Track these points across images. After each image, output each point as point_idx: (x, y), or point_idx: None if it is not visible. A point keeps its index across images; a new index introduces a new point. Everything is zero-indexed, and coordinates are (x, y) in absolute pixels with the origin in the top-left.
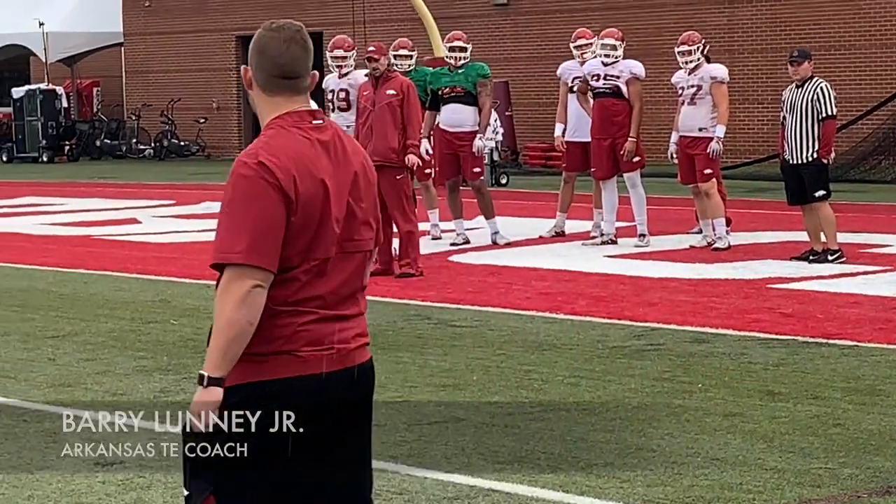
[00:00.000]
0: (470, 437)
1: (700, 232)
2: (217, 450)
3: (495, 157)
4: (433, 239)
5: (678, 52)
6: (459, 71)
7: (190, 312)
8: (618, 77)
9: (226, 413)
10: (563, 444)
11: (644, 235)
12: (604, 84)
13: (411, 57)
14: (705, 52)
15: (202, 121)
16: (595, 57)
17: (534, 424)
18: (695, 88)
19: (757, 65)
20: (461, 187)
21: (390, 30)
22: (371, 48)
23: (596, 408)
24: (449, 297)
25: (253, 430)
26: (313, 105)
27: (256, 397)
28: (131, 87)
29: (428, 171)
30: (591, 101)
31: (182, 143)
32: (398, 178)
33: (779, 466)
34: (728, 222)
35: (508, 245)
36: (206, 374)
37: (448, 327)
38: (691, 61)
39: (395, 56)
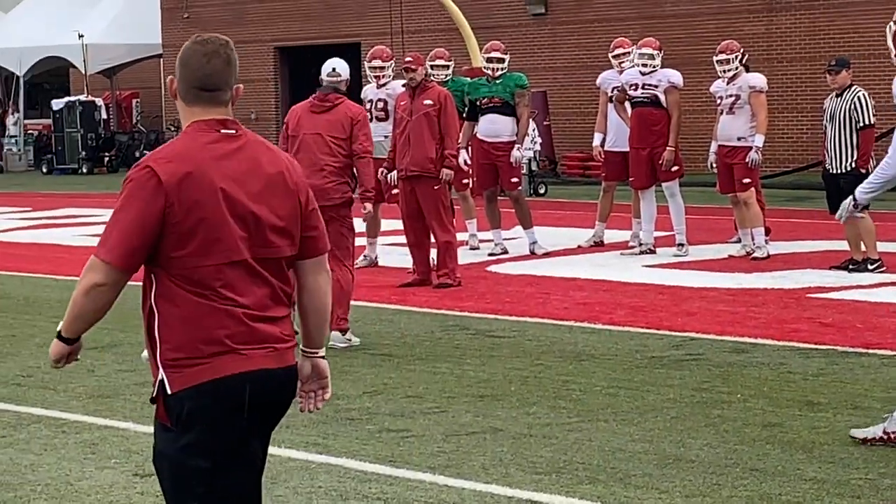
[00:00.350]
0: (508, 448)
1: (739, 241)
2: (189, 459)
3: (533, 167)
4: (471, 249)
5: (716, 61)
6: (497, 81)
7: None
8: (656, 86)
9: (187, 416)
10: (601, 454)
11: (682, 245)
12: (642, 93)
13: (448, 67)
14: (744, 60)
15: None
16: (633, 66)
17: (572, 435)
18: (733, 98)
19: (796, 73)
20: (499, 197)
21: (428, 40)
22: (408, 58)
23: (634, 418)
24: (487, 307)
25: (212, 430)
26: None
27: (208, 397)
28: (170, 98)
29: (466, 181)
30: (629, 110)
31: None
32: (436, 188)
33: (818, 477)
34: (767, 231)
35: (546, 255)
36: (60, 329)
37: (486, 337)
38: (729, 70)
39: (431, 66)
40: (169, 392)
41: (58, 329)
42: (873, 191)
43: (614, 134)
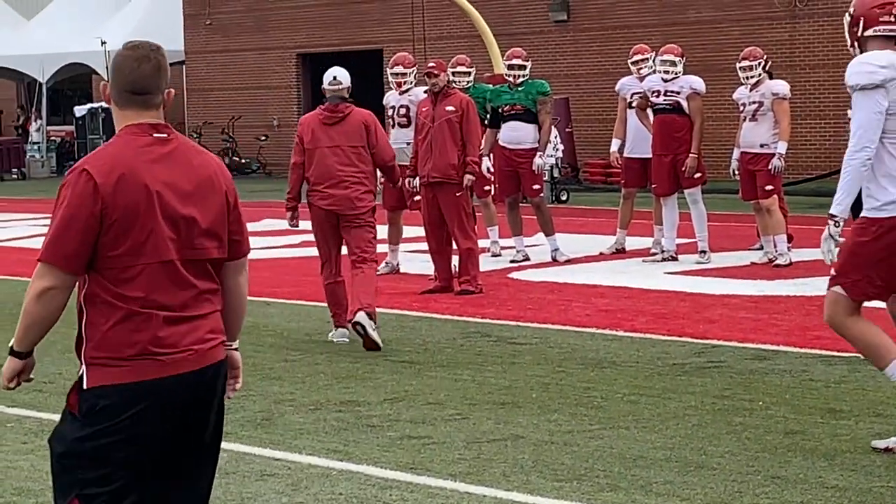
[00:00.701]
0: (529, 455)
1: (761, 248)
2: (84, 449)
3: (555, 174)
4: (493, 256)
5: (739, 68)
6: (519, 88)
7: (250, 330)
8: (678, 93)
9: (95, 411)
10: (622, 462)
11: (705, 252)
12: (664, 100)
13: (469, 74)
14: (767, 67)
15: (263, 138)
16: (652, 72)
17: (593, 442)
18: (756, 104)
19: (819, 80)
20: (521, 204)
21: (450, 47)
22: (431, 64)
23: (656, 425)
24: (508, 314)
25: (118, 429)
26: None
27: (122, 398)
28: (192, 104)
29: (487, 187)
30: (651, 116)
31: (243, 161)
32: (457, 194)
33: (840, 485)
34: (789, 239)
35: (568, 262)
36: (11, 345)
37: (507, 344)
38: (752, 77)
39: (453, 73)
40: (84, 387)
41: (9, 345)
42: (848, 195)
43: (633, 140)
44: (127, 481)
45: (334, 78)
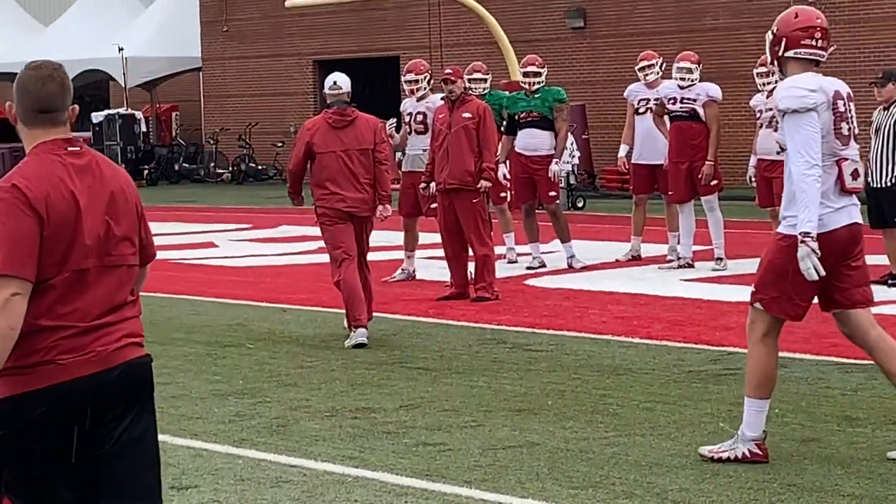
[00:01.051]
0: (544, 462)
1: None
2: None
3: (571, 181)
4: (509, 262)
5: (756, 74)
6: (536, 95)
7: (266, 336)
8: (694, 100)
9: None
10: (638, 469)
11: (721, 259)
12: (680, 107)
13: (486, 80)
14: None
15: (279, 145)
16: (659, 78)
17: (609, 449)
18: (773, 111)
19: None
20: (537, 211)
21: (467, 54)
22: (448, 70)
23: (672, 433)
24: (524, 320)
25: (23, 429)
26: (76, 134)
27: (27, 405)
28: (209, 111)
29: (503, 194)
30: (668, 123)
31: (259, 167)
32: (474, 201)
33: (856, 493)
34: None
35: (584, 269)
36: None
37: (523, 351)
38: (769, 83)
39: (469, 80)
40: None
41: None
42: (812, 211)
43: (640, 146)
44: (46, 477)
45: (335, 83)
